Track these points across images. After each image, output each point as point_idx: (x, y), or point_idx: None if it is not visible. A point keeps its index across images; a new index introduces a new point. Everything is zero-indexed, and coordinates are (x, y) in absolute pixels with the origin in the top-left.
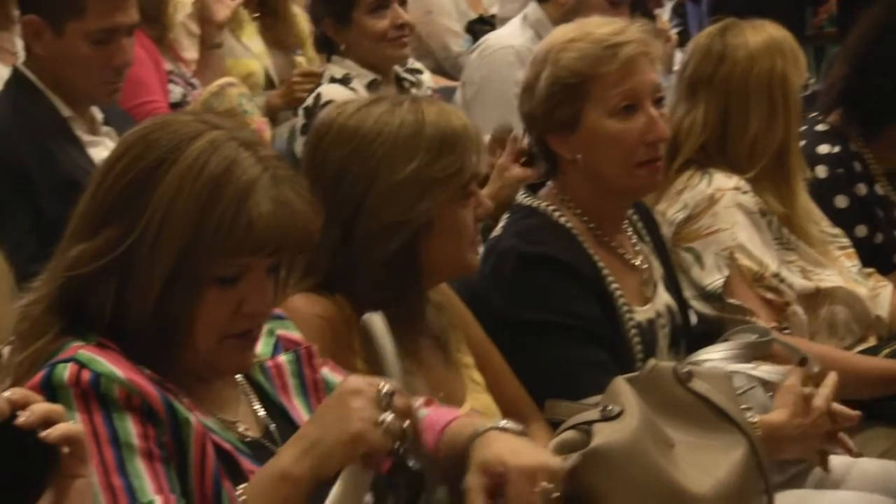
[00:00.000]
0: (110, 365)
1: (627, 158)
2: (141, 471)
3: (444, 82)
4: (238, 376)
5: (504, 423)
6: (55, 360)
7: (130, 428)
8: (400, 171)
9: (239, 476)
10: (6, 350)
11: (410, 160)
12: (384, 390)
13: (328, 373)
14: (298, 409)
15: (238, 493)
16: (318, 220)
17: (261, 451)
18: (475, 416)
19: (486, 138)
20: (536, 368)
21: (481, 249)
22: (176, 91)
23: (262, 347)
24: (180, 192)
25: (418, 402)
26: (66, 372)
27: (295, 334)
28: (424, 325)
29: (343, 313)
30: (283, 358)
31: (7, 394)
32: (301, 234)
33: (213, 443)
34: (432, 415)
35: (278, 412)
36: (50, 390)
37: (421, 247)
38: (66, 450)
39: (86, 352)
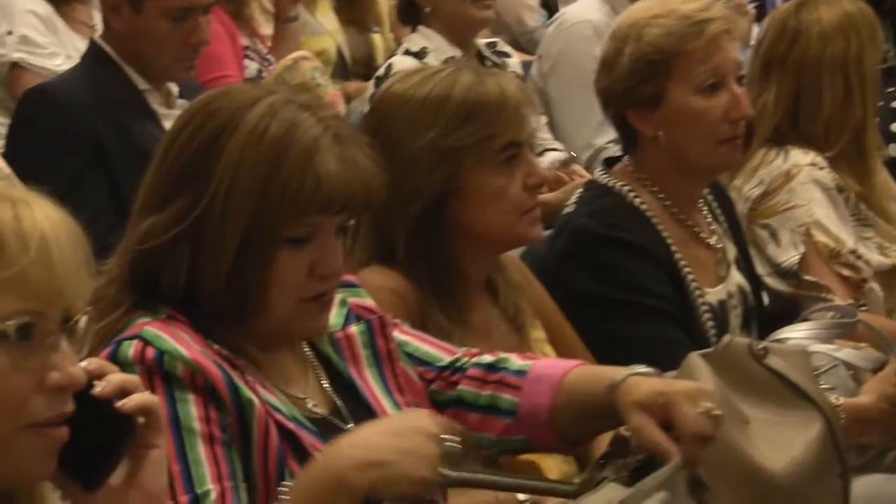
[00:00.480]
0: (175, 342)
1: (711, 136)
2: (201, 456)
3: (521, 57)
4: (306, 349)
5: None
6: (120, 336)
7: (192, 411)
8: (420, 139)
9: (303, 454)
10: (83, 320)
11: (430, 128)
12: (451, 449)
13: (400, 336)
14: (369, 380)
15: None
16: (383, 176)
17: (329, 428)
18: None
19: (563, 112)
20: (611, 345)
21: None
22: (252, 67)
23: (333, 318)
24: (244, 159)
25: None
26: (130, 349)
27: (368, 301)
28: (487, 298)
29: (410, 285)
30: (354, 329)
31: (84, 364)
32: (368, 191)
33: (276, 423)
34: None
35: (346, 386)
36: None
37: (449, 214)
38: (141, 420)
39: (151, 328)
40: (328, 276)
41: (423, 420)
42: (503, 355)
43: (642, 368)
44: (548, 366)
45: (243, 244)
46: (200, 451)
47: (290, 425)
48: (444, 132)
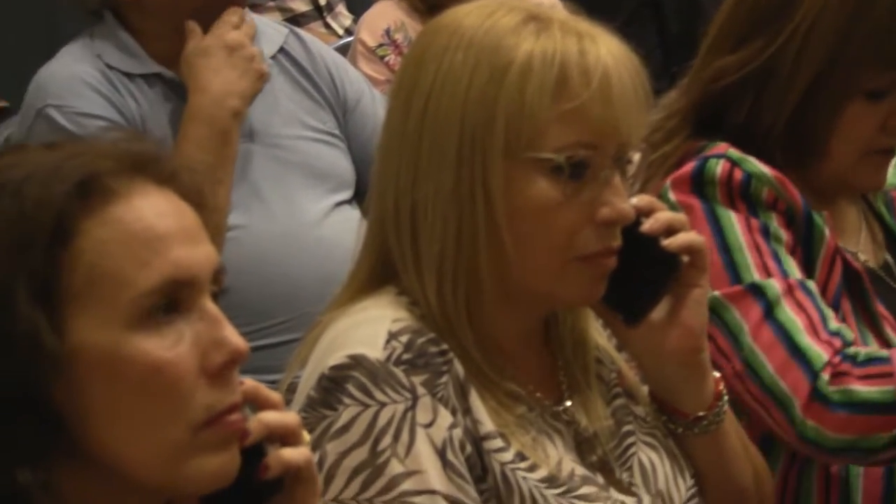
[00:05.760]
0: (762, 166)
1: None
2: (790, 262)
3: None
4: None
5: None
6: (706, 154)
7: (780, 230)
8: None
9: (862, 301)
10: (636, 156)
11: None
12: None
13: None
14: None
15: None
16: None
17: (877, 282)
18: None
19: None
20: None
21: None
22: None
23: (891, 177)
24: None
25: None
26: (718, 167)
27: None
28: None
29: None
30: None
31: (634, 200)
32: None
33: (843, 261)
34: None
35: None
36: (698, 183)
37: None
38: (685, 258)
39: (735, 150)
40: None
41: None
42: None
43: None
44: None
45: (813, 88)
46: (787, 257)
47: (856, 265)
48: None
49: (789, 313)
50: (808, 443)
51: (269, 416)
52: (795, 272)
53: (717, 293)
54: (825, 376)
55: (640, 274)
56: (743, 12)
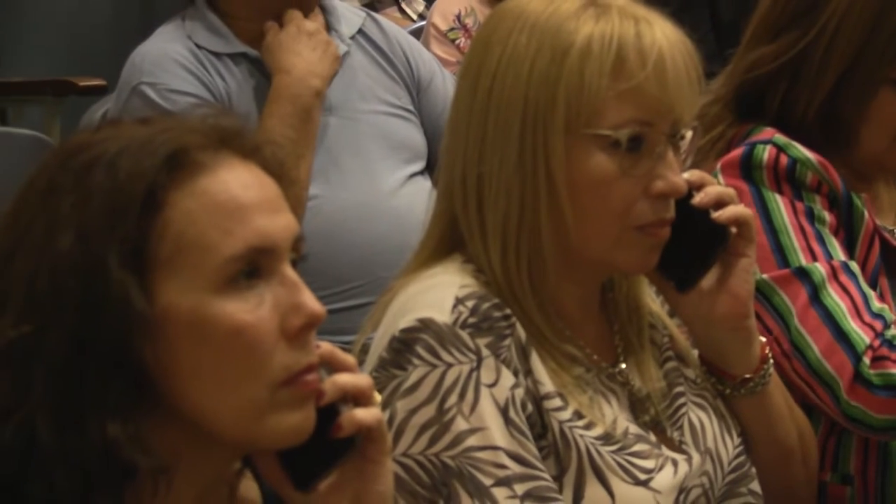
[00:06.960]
0: (806, 151)
1: None
2: (834, 243)
3: None
4: None
5: None
6: (753, 139)
7: (823, 212)
8: None
9: None
10: (689, 134)
11: None
12: None
13: None
14: None
15: None
16: None
17: None
18: None
19: None
20: None
21: None
22: None
23: None
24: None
25: None
26: (765, 153)
27: None
28: None
29: None
30: None
31: (687, 175)
32: None
33: (882, 240)
34: None
35: None
36: (746, 167)
37: None
38: (734, 230)
39: (781, 136)
40: None
41: None
42: None
43: None
44: None
45: (842, 80)
46: (833, 238)
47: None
48: None
49: (834, 297)
50: (852, 421)
51: (344, 378)
52: (839, 254)
53: (765, 276)
54: (867, 360)
55: (692, 244)
56: (780, 5)
